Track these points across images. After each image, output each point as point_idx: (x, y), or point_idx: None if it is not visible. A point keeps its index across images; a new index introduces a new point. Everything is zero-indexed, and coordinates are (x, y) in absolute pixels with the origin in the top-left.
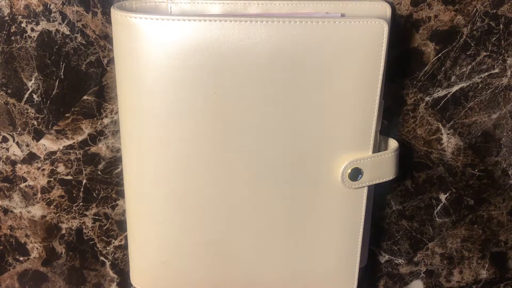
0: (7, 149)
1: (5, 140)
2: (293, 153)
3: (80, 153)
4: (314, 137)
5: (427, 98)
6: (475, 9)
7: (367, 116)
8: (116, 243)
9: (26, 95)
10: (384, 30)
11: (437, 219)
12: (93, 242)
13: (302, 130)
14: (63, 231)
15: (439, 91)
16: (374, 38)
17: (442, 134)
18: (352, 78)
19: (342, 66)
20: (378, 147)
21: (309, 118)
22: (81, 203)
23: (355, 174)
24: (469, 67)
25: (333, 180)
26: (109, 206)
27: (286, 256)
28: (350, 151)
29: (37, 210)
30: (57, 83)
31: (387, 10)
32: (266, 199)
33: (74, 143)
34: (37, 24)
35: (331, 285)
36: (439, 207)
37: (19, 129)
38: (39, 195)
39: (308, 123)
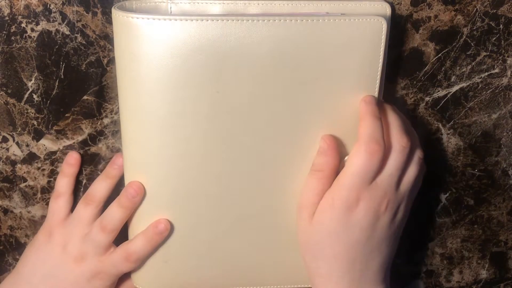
0: (7, 149)
1: (5, 140)
2: (294, 149)
3: (80, 153)
4: (314, 134)
5: (427, 98)
6: (475, 9)
7: None
8: None
9: (26, 95)
10: (383, 27)
11: (437, 219)
12: None
13: (302, 126)
14: None
15: (439, 91)
16: (374, 35)
17: (442, 134)
18: (351, 75)
19: (342, 64)
20: None
21: (309, 114)
22: None
23: None
24: (469, 67)
25: None
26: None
27: (287, 254)
28: (349, 148)
29: (37, 210)
30: (57, 83)
31: (387, 10)
32: (267, 197)
33: (74, 143)
34: (37, 24)
35: None
36: (439, 207)
37: (19, 129)
38: (39, 195)
39: (308, 119)
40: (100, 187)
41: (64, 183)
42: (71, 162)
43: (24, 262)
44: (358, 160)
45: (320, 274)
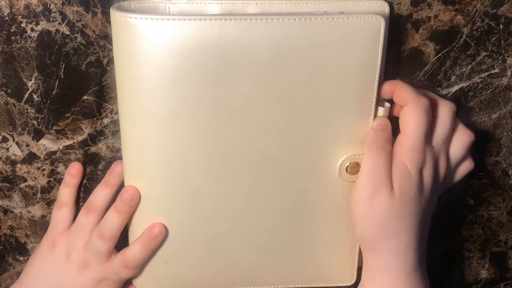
0: (7, 149)
1: (5, 140)
2: (293, 149)
3: (80, 153)
4: (313, 132)
5: None
6: (475, 9)
7: (364, 111)
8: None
9: (26, 95)
10: (381, 25)
11: (437, 219)
12: None
13: (301, 125)
14: None
15: (439, 91)
16: (372, 33)
17: None
18: (350, 74)
19: (340, 62)
20: None
21: (308, 113)
22: (81, 203)
23: (354, 168)
24: (469, 67)
25: (331, 174)
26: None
27: (286, 251)
28: (348, 145)
29: (37, 210)
30: (57, 83)
31: (385, 9)
32: (267, 195)
33: (74, 143)
34: (37, 24)
35: (330, 279)
36: (439, 207)
37: (19, 129)
38: (39, 195)
39: (307, 118)
40: (100, 195)
41: (66, 193)
42: (73, 173)
43: (27, 272)
44: (416, 119)
45: (398, 251)
